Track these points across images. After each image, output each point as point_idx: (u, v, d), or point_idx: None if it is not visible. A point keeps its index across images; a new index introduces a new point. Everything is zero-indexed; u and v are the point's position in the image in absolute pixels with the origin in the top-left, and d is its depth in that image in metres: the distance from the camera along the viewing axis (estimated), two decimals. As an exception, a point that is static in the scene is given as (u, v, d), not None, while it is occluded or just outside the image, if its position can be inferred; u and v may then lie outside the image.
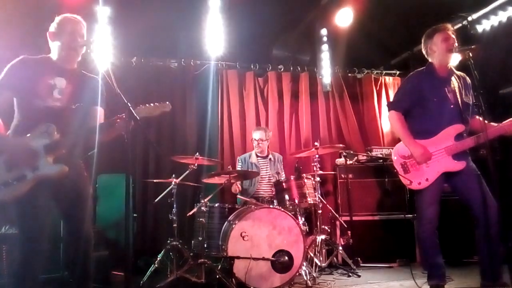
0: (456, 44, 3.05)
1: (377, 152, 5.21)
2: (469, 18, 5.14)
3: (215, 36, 5.25)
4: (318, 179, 4.40)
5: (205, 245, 3.83)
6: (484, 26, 5.13)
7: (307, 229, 4.09)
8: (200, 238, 3.85)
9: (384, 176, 4.97)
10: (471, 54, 2.88)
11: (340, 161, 5.11)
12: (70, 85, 2.57)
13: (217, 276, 3.54)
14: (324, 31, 5.75)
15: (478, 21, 5.14)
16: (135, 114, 2.27)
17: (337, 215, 4.87)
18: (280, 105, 5.87)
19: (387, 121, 5.87)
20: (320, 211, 4.41)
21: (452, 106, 3.04)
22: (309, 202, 4.11)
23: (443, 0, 4.68)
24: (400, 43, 5.86)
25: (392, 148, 3.33)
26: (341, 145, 5.12)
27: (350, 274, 4.16)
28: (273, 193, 4.40)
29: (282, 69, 5.93)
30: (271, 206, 3.98)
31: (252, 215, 3.64)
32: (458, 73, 3.19)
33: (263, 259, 3.53)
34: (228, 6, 5.11)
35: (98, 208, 4.44)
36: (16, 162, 2.36)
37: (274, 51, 5.90)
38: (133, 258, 4.47)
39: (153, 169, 5.20)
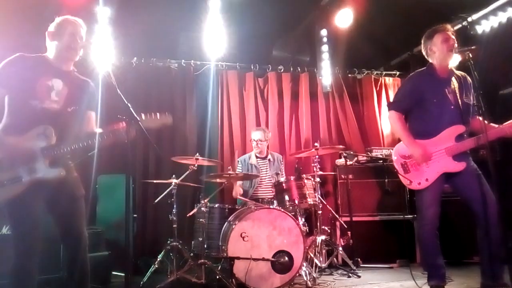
0: (456, 45, 3.05)
1: (377, 152, 5.21)
2: (469, 19, 5.15)
3: (215, 36, 5.25)
4: (318, 179, 4.40)
5: (205, 246, 3.83)
6: (483, 27, 5.14)
7: (307, 230, 4.09)
8: (200, 239, 3.85)
9: (384, 177, 4.96)
10: (471, 55, 2.89)
11: (340, 161, 5.11)
12: (66, 88, 2.54)
13: (217, 277, 3.55)
14: (324, 32, 5.75)
15: (478, 22, 5.15)
16: (135, 115, 2.28)
17: (337, 216, 4.87)
18: (280, 105, 5.87)
19: (387, 121, 5.86)
20: (320, 212, 4.41)
21: (452, 107, 3.04)
22: (309, 202, 4.11)
23: (443, 1, 4.69)
24: (400, 43, 5.87)
25: (392, 149, 3.34)
26: (341, 145, 5.14)
27: (350, 274, 4.16)
28: (273, 193, 4.40)
29: (282, 70, 5.93)
30: (271, 206, 3.98)
31: (252, 216, 3.64)
32: (459, 73, 3.18)
33: (263, 259, 3.53)
34: (228, 6, 5.11)
35: (98, 209, 4.45)
36: (12, 163, 2.32)
37: (274, 51, 5.91)
38: (133, 258, 4.47)
39: (153, 170, 5.20)
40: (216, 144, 5.52)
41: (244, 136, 5.61)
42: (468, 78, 3.17)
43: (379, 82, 6.27)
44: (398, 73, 6.29)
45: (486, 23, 5.10)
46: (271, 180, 4.76)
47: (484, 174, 2.98)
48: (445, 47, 3.04)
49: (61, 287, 3.26)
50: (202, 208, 3.89)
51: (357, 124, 6.01)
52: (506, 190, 3.04)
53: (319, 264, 4.17)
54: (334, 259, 4.48)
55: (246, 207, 4.01)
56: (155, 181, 4.49)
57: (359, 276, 4.11)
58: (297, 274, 3.65)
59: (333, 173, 5.41)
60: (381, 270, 4.49)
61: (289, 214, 3.75)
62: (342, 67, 6.10)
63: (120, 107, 2.30)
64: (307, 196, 4.07)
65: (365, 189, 5.01)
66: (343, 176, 5.06)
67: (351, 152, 5.16)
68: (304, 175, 4.19)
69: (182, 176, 4.20)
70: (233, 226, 3.57)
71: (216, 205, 4.12)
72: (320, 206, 4.40)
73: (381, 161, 5.05)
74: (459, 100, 3.05)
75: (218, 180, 4.30)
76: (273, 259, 3.56)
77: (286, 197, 4.05)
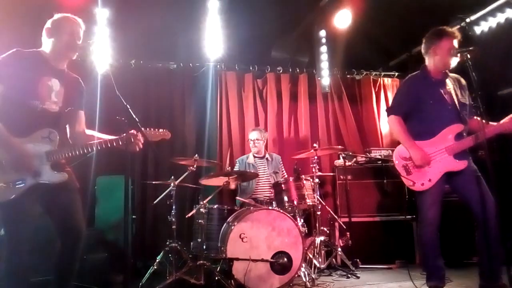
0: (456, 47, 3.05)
1: (375, 153, 5.21)
2: (467, 20, 5.15)
3: (213, 38, 5.26)
4: (317, 180, 4.41)
5: (204, 247, 3.83)
6: (482, 28, 5.14)
7: (306, 231, 4.10)
8: (199, 240, 3.85)
9: (383, 177, 4.97)
10: (469, 56, 2.90)
11: (339, 162, 5.12)
12: (63, 88, 2.52)
13: (216, 278, 3.54)
14: (322, 33, 5.76)
15: (476, 22, 5.15)
16: (134, 117, 2.28)
17: (336, 217, 4.87)
18: (279, 106, 5.87)
19: (385, 122, 5.87)
20: (319, 213, 4.41)
21: (450, 107, 3.05)
22: (308, 203, 4.11)
23: (441, 2, 4.70)
24: (399, 44, 5.88)
25: (391, 149, 3.35)
26: (340, 146, 5.15)
27: (349, 275, 4.16)
28: (272, 193, 4.40)
29: (281, 71, 5.93)
30: (270, 207, 3.98)
31: (251, 217, 3.64)
32: (452, 75, 3.20)
33: (262, 260, 3.53)
34: (227, 8, 5.12)
35: (97, 210, 4.44)
36: (17, 165, 2.29)
37: (273, 52, 5.91)
38: (132, 259, 4.45)
39: (152, 171, 5.20)
40: (215, 145, 5.51)
41: (243, 137, 5.60)
42: (462, 79, 3.20)
43: (378, 83, 6.28)
44: (396, 73, 6.31)
45: (484, 24, 5.10)
46: (269, 179, 4.77)
47: (483, 175, 2.98)
48: (449, 56, 3.02)
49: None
50: (201, 209, 3.88)
51: (356, 125, 6.02)
52: (504, 191, 3.04)
53: (318, 265, 4.18)
54: (333, 260, 4.48)
55: (245, 208, 4.01)
56: (154, 182, 4.49)
57: (358, 277, 4.11)
58: (296, 275, 3.65)
59: (332, 173, 5.41)
60: (380, 271, 4.49)
61: (288, 215, 3.75)
62: (340, 68, 6.11)
63: (119, 108, 2.30)
64: (306, 197, 4.07)
65: (364, 190, 5.01)
66: (342, 177, 5.07)
67: (350, 153, 5.17)
68: (303, 176, 4.19)
69: (181, 177, 4.20)
70: (232, 227, 3.57)
71: (215, 206, 4.12)
72: (319, 207, 4.41)
73: (380, 162, 5.05)
74: (455, 100, 3.06)
75: (216, 182, 4.28)
76: (272, 260, 3.56)
77: (285, 198, 4.06)
